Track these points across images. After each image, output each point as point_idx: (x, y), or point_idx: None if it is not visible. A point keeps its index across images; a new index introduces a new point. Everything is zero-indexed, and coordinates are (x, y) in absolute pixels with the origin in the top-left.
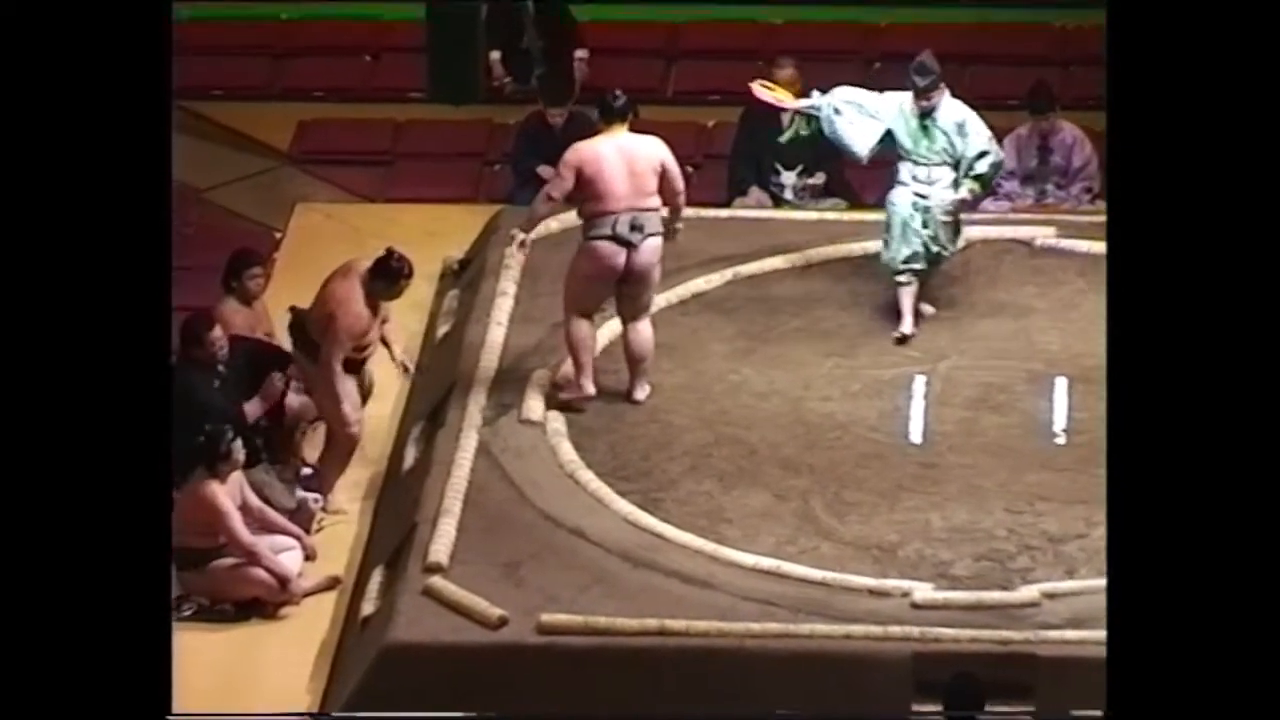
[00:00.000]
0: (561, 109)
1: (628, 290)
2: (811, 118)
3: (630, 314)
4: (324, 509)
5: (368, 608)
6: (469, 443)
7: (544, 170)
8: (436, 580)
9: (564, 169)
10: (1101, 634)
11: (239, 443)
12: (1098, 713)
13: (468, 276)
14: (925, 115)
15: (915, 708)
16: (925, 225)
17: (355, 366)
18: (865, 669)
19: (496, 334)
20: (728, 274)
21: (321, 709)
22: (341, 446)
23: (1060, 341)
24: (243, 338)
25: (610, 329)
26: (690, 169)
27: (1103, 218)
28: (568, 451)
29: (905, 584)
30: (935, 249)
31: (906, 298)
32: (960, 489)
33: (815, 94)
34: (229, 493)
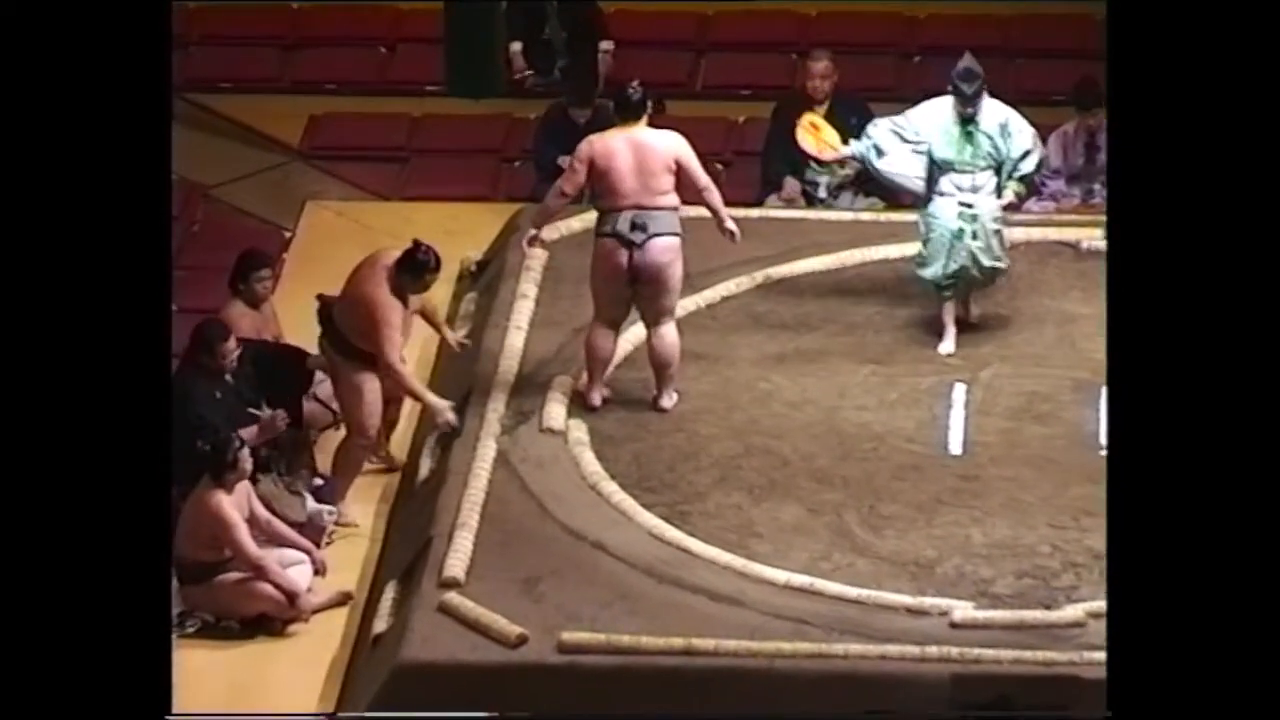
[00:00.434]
0: (586, 109)
1: (642, 292)
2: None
3: (651, 318)
4: (336, 521)
5: (380, 625)
6: (487, 452)
7: (566, 163)
8: (453, 596)
9: (576, 162)
10: None
11: (246, 451)
12: None
13: (486, 278)
14: (967, 121)
15: None
16: (975, 236)
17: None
18: (901, 691)
19: (516, 339)
20: (759, 277)
21: None
22: (358, 449)
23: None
24: (250, 341)
25: (635, 334)
26: (720, 167)
27: None
28: (590, 462)
29: (944, 602)
30: (989, 262)
31: (949, 314)
32: (1002, 503)
33: (851, 143)
34: (235, 504)
